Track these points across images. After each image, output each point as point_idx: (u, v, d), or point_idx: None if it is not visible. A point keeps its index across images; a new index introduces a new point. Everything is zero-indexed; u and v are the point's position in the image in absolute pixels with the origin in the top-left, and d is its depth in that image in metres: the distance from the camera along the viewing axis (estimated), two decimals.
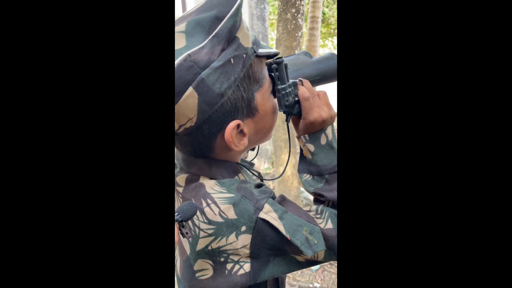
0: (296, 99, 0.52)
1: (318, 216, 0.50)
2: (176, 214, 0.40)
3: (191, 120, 0.43)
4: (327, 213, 0.50)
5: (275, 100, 0.52)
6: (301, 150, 0.56)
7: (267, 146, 3.21)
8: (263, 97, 0.49)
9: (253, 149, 0.65)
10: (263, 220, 0.44)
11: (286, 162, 2.77)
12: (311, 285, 1.86)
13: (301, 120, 0.53)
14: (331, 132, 0.53)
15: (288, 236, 0.44)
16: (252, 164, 0.61)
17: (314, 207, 0.52)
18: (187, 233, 0.40)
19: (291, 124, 0.56)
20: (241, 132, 0.48)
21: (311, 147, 0.53)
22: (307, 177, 0.55)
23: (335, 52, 0.57)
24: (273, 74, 0.50)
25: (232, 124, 0.45)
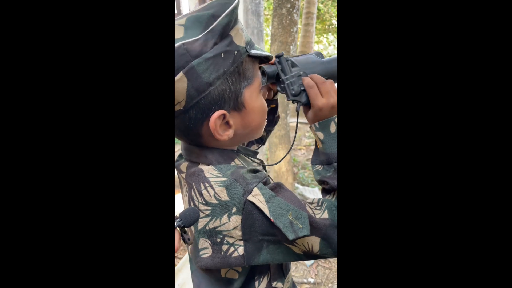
0: (302, 88, 0.55)
1: (318, 208, 0.51)
2: (178, 220, 0.40)
3: (179, 103, 0.46)
4: (325, 204, 0.52)
5: (264, 102, 0.56)
6: (316, 143, 0.58)
7: None
8: (251, 95, 0.52)
9: (252, 143, 0.67)
10: (251, 202, 0.47)
11: (281, 158, 2.77)
12: (305, 280, 1.87)
13: (310, 108, 0.56)
14: None
15: (271, 218, 0.46)
16: (256, 153, 0.63)
17: (316, 199, 0.54)
18: (188, 239, 0.40)
19: (298, 114, 0.58)
20: (227, 124, 0.51)
21: (321, 135, 0.55)
22: (318, 167, 0.57)
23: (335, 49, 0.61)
24: (277, 69, 0.54)
25: (217, 113, 0.48)
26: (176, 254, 2.02)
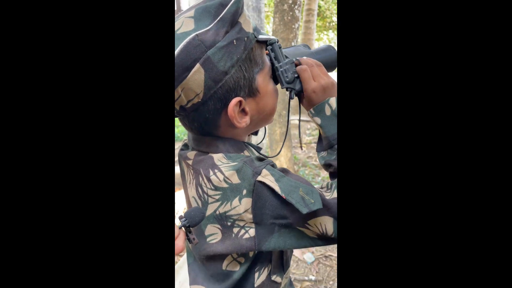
0: (296, 75, 0.56)
1: (328, 191, 0.51)
2: (183, 219, 0.39)
3: (198, 95, 0.48)
4: (334, 185, 0.52)
5: (275, 85, 0.56)
6: (319, 132, 0.59)
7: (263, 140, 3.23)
8: (264, 80, 0.53)
9: (256, 134, 0.68)
10: (261, 182, 0.48)
11: (282, 155, 2.78)
12: (306, 278, 1.87)
13: (304, 94, 0.57)
14: (335, 102, 0.56)
15: (283, 195, 0.46)
16: (259, 148, 0.64)
17: (325, 183, 0.54)
18: (194, 239, 0.40)
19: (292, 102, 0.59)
20: (243, 111, 0.53)
21: (318, 120, 0.56)
22: (322, 154, 0.58)
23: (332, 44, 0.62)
24: (270, 56, 0.55)
25: (234, 100, 0.49)
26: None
